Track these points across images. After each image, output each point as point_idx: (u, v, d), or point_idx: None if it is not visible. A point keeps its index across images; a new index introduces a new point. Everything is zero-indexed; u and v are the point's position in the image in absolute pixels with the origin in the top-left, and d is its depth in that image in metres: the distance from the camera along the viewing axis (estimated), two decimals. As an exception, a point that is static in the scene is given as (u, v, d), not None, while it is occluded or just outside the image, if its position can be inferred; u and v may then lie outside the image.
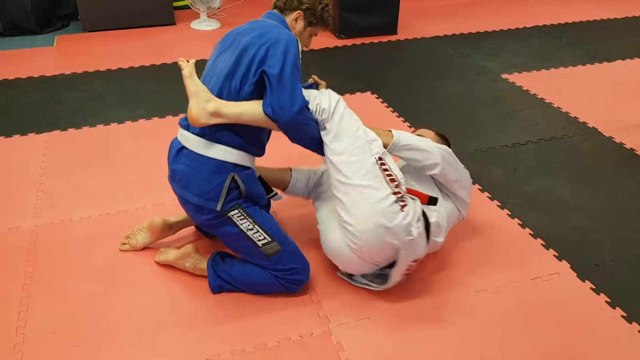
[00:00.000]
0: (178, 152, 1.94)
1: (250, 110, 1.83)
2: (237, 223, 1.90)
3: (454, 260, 2.20)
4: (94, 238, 2.28)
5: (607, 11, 5.31)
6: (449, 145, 2.43)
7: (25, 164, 2.79)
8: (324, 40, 4.49)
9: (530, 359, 1.80)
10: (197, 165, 1.88)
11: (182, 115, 3.24)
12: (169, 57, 4.08)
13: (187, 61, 1.89)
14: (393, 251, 1.89)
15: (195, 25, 4.73)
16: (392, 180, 1.87)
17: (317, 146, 1.92)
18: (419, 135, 2.27)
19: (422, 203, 1.98)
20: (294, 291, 2.00)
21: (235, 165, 1.88)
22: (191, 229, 2.32)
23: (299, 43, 1.97)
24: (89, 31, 4.57)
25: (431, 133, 2.29)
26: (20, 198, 2.52)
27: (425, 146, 2.03)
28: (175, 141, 1.99)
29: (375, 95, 3.57)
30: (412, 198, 1.93)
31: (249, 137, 1.91)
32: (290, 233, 2.29)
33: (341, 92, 3.54)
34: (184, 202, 1.95)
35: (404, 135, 2.01)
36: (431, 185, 2.11)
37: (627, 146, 3.04)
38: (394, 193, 1.85)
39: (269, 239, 1.92)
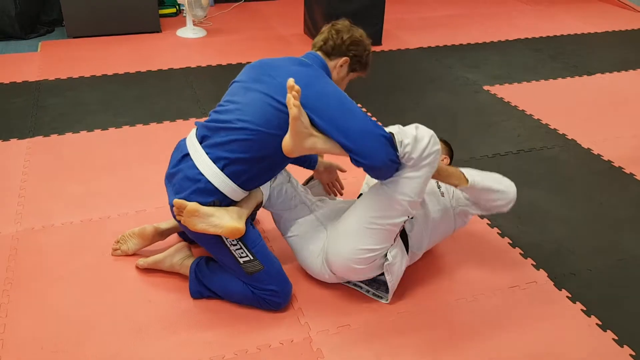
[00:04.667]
0: (183, 158, 1.91)
1: (339, 149, 1.81)
2: (222, 238, 1.89)
3: (433, 268, 2.23)
4: (76, 244, 2.27)
5: (587, 25, 5.42)
6: (452, 152, 2.42)
7: (7, 169, 2.77)
8: (309, 49, 4.51)
9: (507, 366, 1.83)
10: (191, 179, 1.86)
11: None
12: (154, 65, 4.09)
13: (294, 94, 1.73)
14: (372, 272, 1.99)
15: (182, 33, 4.74)
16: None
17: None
18: None
19: None
20: (272, 310, 1.99)
21: (224, 196, 1.87)
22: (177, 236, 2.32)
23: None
24: (74, 37, 4.56)
25: None
26: (1, 204, 2.51)
27: (502, 186, 2.03)
28: (183, 144, 1.96)
29: (359, 105, 3.60)
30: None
31: (256, 182, 1.92)
32: (275, 243, 2.31)
33: (325, 101, 3.60)
34: (170, 208, 1.95)
35: (477, 177, 2.00)
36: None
37: (605, 158, 3.10)
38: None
39: (251, 257, 1.91)
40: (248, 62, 4.18)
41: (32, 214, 2.45)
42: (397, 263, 1.97)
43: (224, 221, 1.83)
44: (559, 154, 3.12)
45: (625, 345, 1.92)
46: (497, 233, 2.46)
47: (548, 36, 5.07)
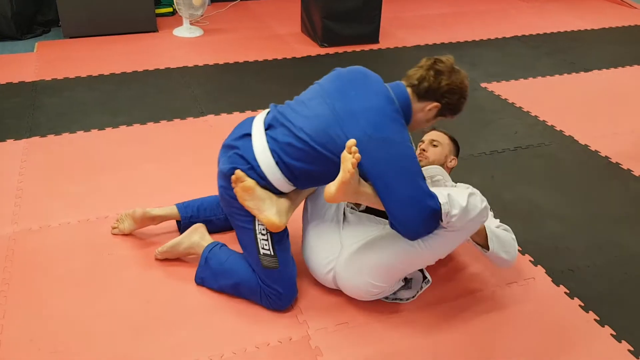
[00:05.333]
0: (244, 136, 1.90)
1: (379, 203, 1.77)
2: (255, 221, 1.90)
3: (432, 266, 2.22)
4: (73, 244, 2.27)
5: (584, 22, 5.42)
6: (458, 150, 2.34)
7: (3, 170, 2.76)
8: (307, 48, 4.52)
9: (508, 357, 1.83)
10: (246, 160, 1.86)
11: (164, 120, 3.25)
12: (151, 64, 4.08)
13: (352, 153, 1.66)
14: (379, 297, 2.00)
15: (178, 32, 4.74)
16: None
17: None
18: (432, 140, 2.24)
19: None
20: (270, 308, 1.98)
21: (273, 186, 1.87)
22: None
23: (411, 121, 1.88)
24: (70, 37, 4.55)
25: (445, 138, 2.27)
26: (-2, 204, 2.51)
27: (509, 257, 1.98)
28: (249, 122, 1.95)
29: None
30: None
31: (307, 184, 1.93)
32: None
33: (322, 99, 3.60)
34: (219, 173, 1.95)
35: (496, 244, 1.96)
36: None
37: (602, 154, 3.10)
38: None
39: (272, 253, 1.91)
40: (245, 61, 4.19)
41: (29, 214, 2.44)
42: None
43: (270, 212, 1.84)
44: (557, 150, 3.12)
45: (623, 341, 1.92)
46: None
47: (545, 33, 5.07)
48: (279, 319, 1.95)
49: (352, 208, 2.09)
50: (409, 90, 1.88)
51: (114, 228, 2.32)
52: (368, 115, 1.77)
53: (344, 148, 1.70)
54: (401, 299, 2.03)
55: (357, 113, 1.79)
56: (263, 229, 1.91)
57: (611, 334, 1.95)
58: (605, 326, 1.98)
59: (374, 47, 4.61)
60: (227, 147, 1.96)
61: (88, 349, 1.82)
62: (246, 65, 4.16)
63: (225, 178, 1.91)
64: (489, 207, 1.84)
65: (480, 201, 1.80)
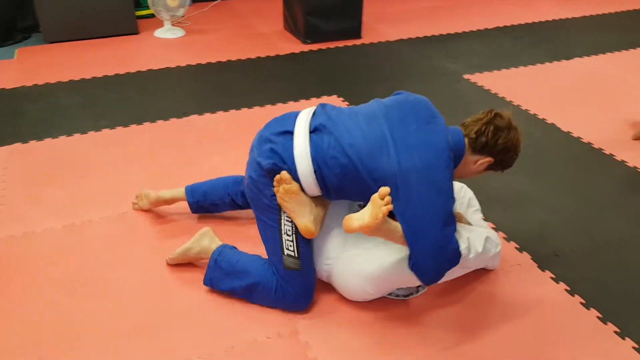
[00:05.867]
0: (286, 133, 1.85)
1: (401, 240, 1.75)
2: (282, 219, 1.88)
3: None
4: (58, 249, 2.25)
5: (566, 11, 5.45)
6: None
7: (-14, 177, 2.74)
8: (290, 46, 4.51)
9: (495, 346, 1.84)
10: (283, 159, 1.82)
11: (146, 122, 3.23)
12: (132, 67, 4.06)
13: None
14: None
15: (160, 34, 4.71)
16: None
17: None
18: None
19: None
20: (282, 306, 1.94)
21: (303, 189, 1.85)
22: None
23: (459, 170, 1.87)
24: (51, 42, 4.52)
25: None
26: (-18, 212, 2.48)
27: (495, 254, 2.03)
28: (292, 118, 1.90)
29: (341, 99, 3.60)
30: None
31: (338, 197, 1.90)
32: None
33: (308, 96, 3.61)
34: (254, 163, 1.91)
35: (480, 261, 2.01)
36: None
37: (585, 140, 3.12)
38: None
39: (296, 255, 1.88)
40: (228, 61, 4.18)
41: (12, 220, 2.42)
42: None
43: (308, 219, 1.83)
44: (540, 138, 3.14)
45: (609, 322, 1.94)
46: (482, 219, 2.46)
47: (527, 23, 5.09)
48: (268, 315, 1.95)
49: (360, 207, 2.08)
50: (465, 140, 1.84)
51: (134, 204, 2.46)
52: (424, 154, 1.74)
53: (387, 177, 1.71)
54: (390, 295, 2.03)
55: (413, 148, 1.75)
56: (289, 230, 1.87)
57: (597, 317, 1.96)
58: (592, 309, 2.00)
59: (357, 42, 4.61)
60: (264, 139, 1.89)
61: (75, 355, 1.81)
62: (229, 64, 4.15)
63: (262, 171, 1.87)
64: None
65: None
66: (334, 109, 1.95)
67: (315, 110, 1.93)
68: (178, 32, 4.74)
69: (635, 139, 3.12)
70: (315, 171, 1.81)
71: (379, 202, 1.62)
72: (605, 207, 2.57)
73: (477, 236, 1.91)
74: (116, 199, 2.56)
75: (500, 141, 1.82)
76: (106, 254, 2.23)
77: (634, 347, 1.85)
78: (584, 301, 2.03)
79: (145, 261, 2.19)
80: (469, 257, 1.83)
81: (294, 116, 1.92)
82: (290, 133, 1.86)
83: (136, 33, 4.73)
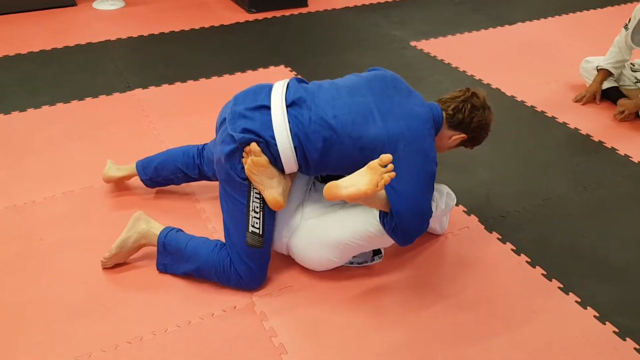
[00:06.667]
0: (261, 108, 1.82)
1: (383, 205, 1.76)
2: (251, 197, 1.84)
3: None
4: (1, 232, 2.17)
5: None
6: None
7: None
8: (234, 15, 4.42)
9: (446, 308, 1.89)
10: (262, 136, 1.78)
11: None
12: (71, 40, 3.90)
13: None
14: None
15: (98, 5, 4.53)
16: None
17: None
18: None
19: None
20: (237, 285, 1.92)
21: (282, 166, 1.82)
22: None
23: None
24: (-18, 16, 4.29)
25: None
26: None
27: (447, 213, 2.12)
28: (267, 91, 1.87)
29: (289, 69, 3.56)
30: None
31: (316, 172, 1.87)
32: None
33: (255, 67, 3.56)
34: (226, 137, 1.84)
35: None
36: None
37: (528, 104, 3.20)
38: None
39: (260, 232, 1.86)
40: (171, 31, 4.07)
41: (-50, 204, 2.32)
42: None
43: (277, 191, 1.80)
44: (485, 103, 3.20)
45: (553, 279, 2.02)
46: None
47: (470, -11, 5.14)
48: (222, 288, 1.94)
49: (315, 178, 2.08)
50: (443, 115, 1.90)
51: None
52: (410, 123, 1.78)
53: (375, 144, 1.73)
54: (345, 263, 2.04)
55: (399, 117, 1.78)
56: (257, 207, 1.85)
57: (542, 274, 2.04)
58: (537, 267, 2.08)
59: (303, 10, 4.55)
60: (238, 114, 1.84)
61: (26, 336, 1.76)
62: (172, 35, 4.04)
63: (236, 146, 1.80)
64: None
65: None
66: (310, 83, 1.94)
67: (288, 83, 1.90)
68: (117, 3, 4.56)
69: (575, 101, 3.22)
70: (296, 147, 1.79)
71: (380, 170, 1.61)
72: (547, 166, 2.66)
73: (439, 193, 1.99)
74: (60, 178, 2.48)
75: (475, 119, 1.89)
76: (51, 235, 2.17)
77: (576, 301, 1.94)
78: (529, 260, 2.11)
79: (92, 241, 2.14)
80: (436, 214, 1.91)
81: (266, 89, 1.89)
82: (267, 108, 1.82)
83: (74, 5, 4.54)
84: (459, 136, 1.92)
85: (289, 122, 1.79)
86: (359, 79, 1.93)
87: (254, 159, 1.76)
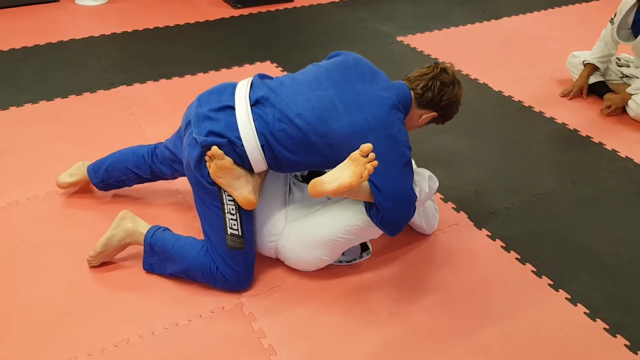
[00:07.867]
0: (226, 108, 1.78)
1: (368, 196, 1.75)
2: (224, 200, 1.81)
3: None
4: (-18, 234, 2.13)
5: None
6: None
7: None
8: (220, 10, 4.38)
9: (436, 306, 1.89)
10: (227, 137, 1.75)
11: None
12: (53, 36, 3.83)
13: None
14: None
15: (81, 1, 4.46)
16: None
17: None
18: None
19: None
20: (223, 287, 1.89)
21: (250, 166, 1.79)
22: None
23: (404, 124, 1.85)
24: (-39, 12, 4.20)
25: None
26: None
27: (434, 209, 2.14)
28: (230, 91, 1.83)
29: (275, 64, 3.53)
30: None
31: (286, 170, 1.85)
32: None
33: (240, 62, 3.52)
34: (192, 141, 1.80)
35: (422, 211, 2.08)
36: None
37: (515, 99, 3.20)
38: None
39: (240, 234, 1.83)
40: (156, 27, 4.01)
41: None
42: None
43: (246, 190, 1.77)
44: (472, 98, 3.19)
45: (543, 276, 2.02)
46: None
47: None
48: (210, 289, 1.92)
49: (296, 177, 2.05)
50: (411, 94, 1.86)
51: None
52: (376, 111, 1.75)
53: (343, 139, 1.70)
54: (334, 261, 2.03)
55: (364, 106, 1.75)
56: (232, 209, 1.82)
57: (532, 271, 2.04)
58: (527, 264, 2.07)
59: (289, 5, 4.52)
60: (202, 116, 1.80)
61: (11, 339, 1.72)
62: (157, 31, 3.99)
63: (201, 150, 1.77)
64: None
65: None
66: (272, 79, 1.90)
67: (252, 82, 1.87)
68: (100, -1, 4.50)
69: (562, 96, 3.23)
70: (263, 146, 1.76)
71: (362, 160, 1.60)
72: (536, 162, 2.66)
73: (421, 177, 1.97)
74: (43, 178, 2.43)
75: (445, 97, 1.85)
76: (34, 236, 2.13)
77: (566, 298, 1.94)
78: (519, 256, 2.10)
79: (76, 242, 2.09)
80: (420, 198, 1.90)
81: (230, 89, 1.85)
82: (231, 108, 1.79)
83: (56, 0, 4.47)
84: (429, 115, 1.90)
85: (254, 121, 1.76)
86: (318, 70, 1.89)
87: (217, 163, 1.74)
